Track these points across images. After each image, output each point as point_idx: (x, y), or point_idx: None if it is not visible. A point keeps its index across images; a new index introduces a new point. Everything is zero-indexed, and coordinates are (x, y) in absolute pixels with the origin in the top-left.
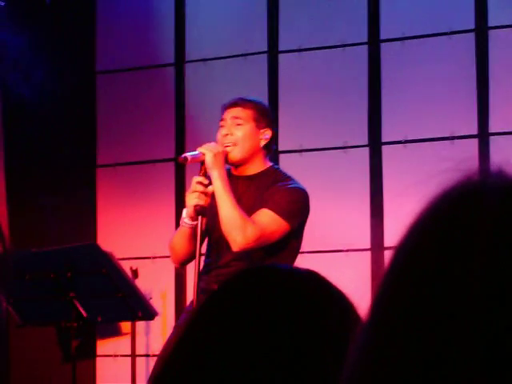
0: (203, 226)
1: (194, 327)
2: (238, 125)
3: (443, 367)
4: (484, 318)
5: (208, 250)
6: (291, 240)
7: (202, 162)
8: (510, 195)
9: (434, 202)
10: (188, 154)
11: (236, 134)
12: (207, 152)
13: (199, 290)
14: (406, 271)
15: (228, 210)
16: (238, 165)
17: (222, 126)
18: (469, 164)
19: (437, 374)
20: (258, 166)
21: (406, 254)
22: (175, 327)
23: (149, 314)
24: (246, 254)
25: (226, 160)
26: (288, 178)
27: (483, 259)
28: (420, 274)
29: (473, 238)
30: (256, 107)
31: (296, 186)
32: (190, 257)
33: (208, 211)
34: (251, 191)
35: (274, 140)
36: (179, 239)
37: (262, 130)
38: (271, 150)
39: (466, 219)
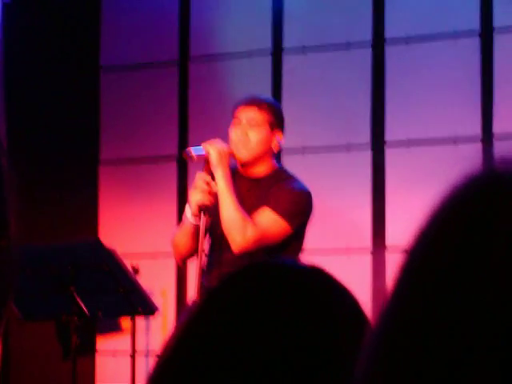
0: (207, 224)
1: (194, 323)
2: (253, 126)
3: (460, 370)
4: (504, 320)
5: (210, 247)
6: (293, 240)
7: (207, 160)
8: None
9: (448, 198)
10: (193, 150)
11: (250, 137)
12: (212, 150)
13: (201, 288)
14: (422, 270)
15: (229, 210)
16: (245, 165)
17: (235, 125)
18: (480, 162)
19: (453, 375)
20: (265, 169)
21: (422, 252)
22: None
23: (149, 309)
24: (248, 253)
25: (234, 159)
26: (291, 178)
27: (503, 254)
28: (437, 273)
29: (492, 234)
30: (272, 110)
31: (299, 186)
32: (192, 253)
33: (211, 209)
34: (256, 192)
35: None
36: (182, 236)
37: (275, 133)
38: (278, 151)
39: (484, 214)
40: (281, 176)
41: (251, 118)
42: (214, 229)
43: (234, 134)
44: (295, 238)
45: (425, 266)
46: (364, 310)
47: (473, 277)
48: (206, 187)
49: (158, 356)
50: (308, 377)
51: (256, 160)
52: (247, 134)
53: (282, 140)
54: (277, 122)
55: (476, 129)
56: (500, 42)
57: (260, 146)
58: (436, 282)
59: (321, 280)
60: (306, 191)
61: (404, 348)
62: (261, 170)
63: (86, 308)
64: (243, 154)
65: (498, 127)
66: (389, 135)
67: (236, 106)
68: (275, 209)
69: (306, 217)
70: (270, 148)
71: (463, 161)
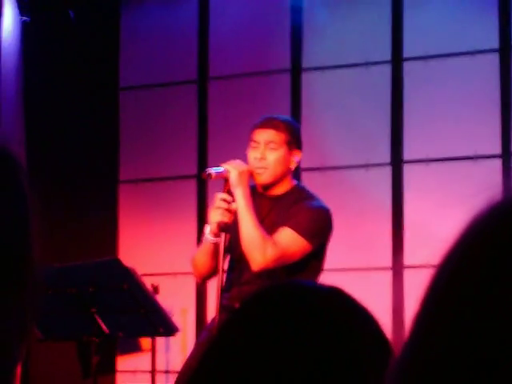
0: (226, 243)
1: (216, 345)
2: (272, 149)
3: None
4: None
5: (230, 266)
6: (313, 259)
7: (226, 179)
8: None
9: (478, 218)
10: (212, 170)
11: (269, 159)
12: (232, 169)
13: (221, 307)
14: (450, 288)
15: (249, 229)
16: (267, 186)
17: (254, 148)
18: (500, 180)
19: None
20: (284, 187)
21: (451, 271)
22: (196, 344)
23: (170, 329)
24: (268, 271)
25: (253, 179)
26: (311, 197)
27: None
28: (465, 291)
29: None
30: (289, 130)
31: (319, 205)
32: (213, 272)
33: (231, 228)
34: (275, 210)
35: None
36: (202, 255)
37: (293, 153)
38: (296, 169)
39: (508, 240)
40: (301, 194)
41: (269, 141)
42: (234, 248)
43: (253, 157)
44: (315, 257)
45: (452, 291)
46: (384, 330)
47: (500, 300)
48: (225, 206)
49: (178, 375)
50: None
51: (277, 180)
52: (266, 156)
53: (299, 158)
54: (294, 142)
55: (495, 146)
56: None
57: (279, 167)
58: (466, 297)
59: (341, 301)
60: (325, 209)
61: (433, 369)
62: (280, 188)
63: (107, 328)
64: (263, 177)
65: None
66: (407, 153)
67: (253, 129)
68: (295, 228)
69: (326, 235)
70: (289, 168)
71: (482, 178)
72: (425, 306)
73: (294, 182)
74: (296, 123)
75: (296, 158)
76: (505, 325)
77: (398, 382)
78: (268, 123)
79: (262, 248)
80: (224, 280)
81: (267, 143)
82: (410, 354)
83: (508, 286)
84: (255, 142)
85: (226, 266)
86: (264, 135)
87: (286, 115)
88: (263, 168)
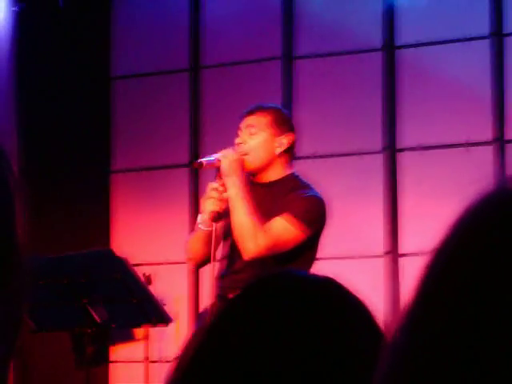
0: (218, 232)
1: (210, 336)
2: (252, 134)
3: (484, 370)
4: None
5: (224, 255)
6: (306, 249)
7: (218, 168)
8: None
9: (477, 202)
10: (203, 160)
11: (249, 143)
12: (223, 158)
13: (215, 295)
14: (446, 275)
15: (240, 218)
16: (254, 173)
17: (238, 135)
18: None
19: (478, 375)
20: (276, 173)
21: (447, 258)
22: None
23: (163, 319)
24: (260, 260)
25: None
26: (306, 187)
27: None
28: (462, 276)
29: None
30: (272, 114)
31: (313, 194)
32: (206, 259)
33: (224, 217)
34: (268, 198)
35: (294, 146)
36: (195, 242)
37: (278, 138)
38: (292, 156)
39: (502, 230)
40: (295, 184)
41: (249, 125)
42: (228, 236)
43: (236, 144)
44: (308, 247)
45: (448, 277)
46: (377, 320)
47: (496, 285)
48: (217, 195)
49: (173, 363)
50: None
51: (263, 165)
52: (246, 141)
53: (287, 142)
54: (279, 126)
55: (487, 133)
56: (510, 46)
57: (261, 151)
58: (456, 296)
59: (333, 291)
60: (319, 199)
61: (424, 358)
62: (272, 174)
63: (99, 319)
64: (247, 162)
65: (509, 131)
66: (400, 141)
67: (239, 118)
68: (289, 217)
69: (319, 225)
70: (274, 152)
71: (475, 166)
72: (420, 293)
73: (290, 171)
74: (282, 109)
75: (282, 142)
76: (498, 309)
77: (392, 368)
78: (250, 110)
79: (254, 236)
80: (218, 268)
81: (247, 128)
82: (404, 340)
83: (503, 271)
84: (239, 129)
85: (224, 252)
86: (246, 121)
87: (277, 103)
88: (244, 153)
